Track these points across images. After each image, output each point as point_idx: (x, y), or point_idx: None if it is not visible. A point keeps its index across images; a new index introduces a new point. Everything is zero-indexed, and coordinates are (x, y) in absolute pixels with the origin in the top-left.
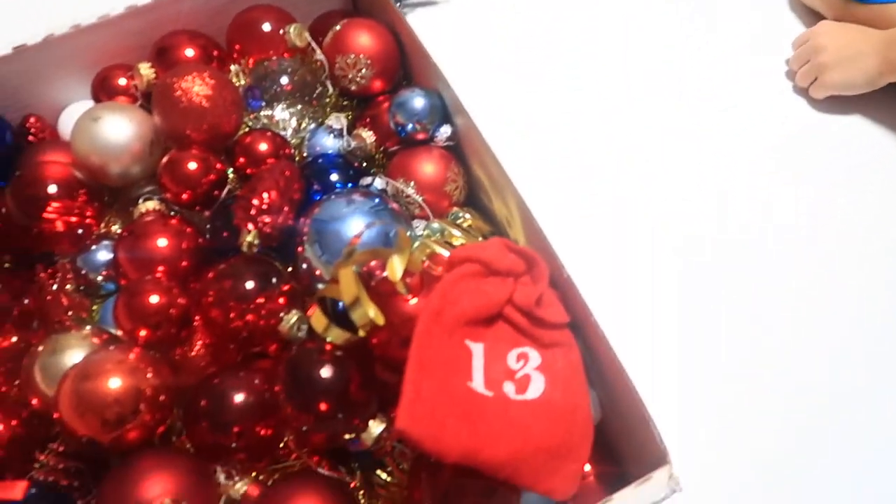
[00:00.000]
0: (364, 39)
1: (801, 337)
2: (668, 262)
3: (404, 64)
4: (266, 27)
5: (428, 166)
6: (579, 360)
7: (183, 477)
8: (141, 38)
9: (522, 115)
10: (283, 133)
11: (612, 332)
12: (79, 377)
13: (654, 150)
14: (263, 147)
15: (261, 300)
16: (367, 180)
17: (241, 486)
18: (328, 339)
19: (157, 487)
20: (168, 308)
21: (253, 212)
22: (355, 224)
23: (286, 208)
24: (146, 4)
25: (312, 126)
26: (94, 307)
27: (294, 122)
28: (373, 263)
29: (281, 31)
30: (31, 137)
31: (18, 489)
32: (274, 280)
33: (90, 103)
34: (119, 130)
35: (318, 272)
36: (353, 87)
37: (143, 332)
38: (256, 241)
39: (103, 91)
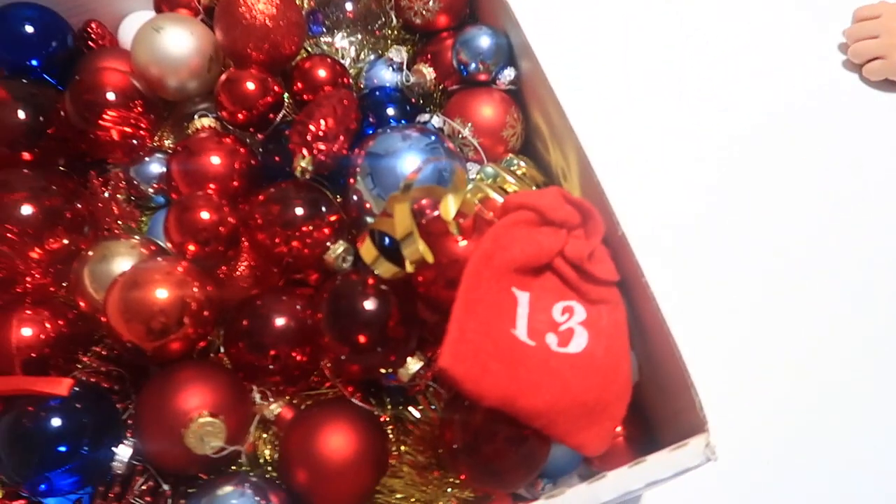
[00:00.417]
0: None
1: (852, 317)
2: (727, 232)
3: (472, 1)
4: None
5: (487, 109)
6: (624, 320)
7: (220, 392)
8: None
9: (591, 66)
10: (342, 62)
11: (662, 295)
12: (127, 285)
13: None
14: (322, 73)
15: (308, 228)
16: (423, 117)
17: (275, 408)
18: (375, 272)
19: (196, 399)
20: (218, 225)
21: (309, 137)
22: (410, 160)
23: (342, 137)
24: None
25: (372, 57)
26: (143, 218)
27: (353, 52)
28: (425, 201)
29: None
30: (91, 43)
31: (64, 386)
32: (323, 209)
33: (151, 13)
34: (180, 43)
35: (367, 205)
36: (418, 21)
37: (191, 247)
38: (310, 168)
39: (166, 2)
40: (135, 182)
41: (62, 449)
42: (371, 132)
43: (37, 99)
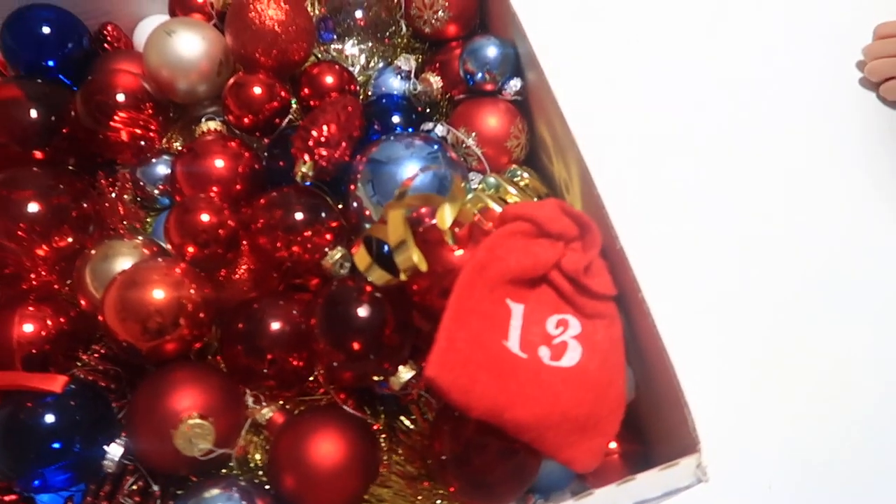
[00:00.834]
0: None
1: (849, 339)
2: (726, 249)
3: (482, 11)
4: None
5: (492, 119)
6: (620, 335)
7: (213, 394)
8: None
9: (597, 79)
10: (351, 69)
11: (658, 311)
12: (125, 284)
13: (728, 134)
14: (329, 80)
15: (308, 233)
16: (427, 126)
17: (267, 412)
18: (369, 279)
19: (187, 401)
20: (217, 228)
21: (311, 143)
22: (411, 168)
23: (344, 144)
24: None
25: (381, 65)
26: (149, 219)
27: (363, 59)
28: (423, 210)
29: None
30: (106, 45)
31: (58, 383)
32: (323, 214)
33: (166, 17)
34: (190, 47)
35: (367, 212)
36: (427, 29)
37: (190, 249)
38: (311, 173)
39: (180, 6)
40: (141, 183)
41: (55, 445)
42: (376, 139)
43: (50, 99)
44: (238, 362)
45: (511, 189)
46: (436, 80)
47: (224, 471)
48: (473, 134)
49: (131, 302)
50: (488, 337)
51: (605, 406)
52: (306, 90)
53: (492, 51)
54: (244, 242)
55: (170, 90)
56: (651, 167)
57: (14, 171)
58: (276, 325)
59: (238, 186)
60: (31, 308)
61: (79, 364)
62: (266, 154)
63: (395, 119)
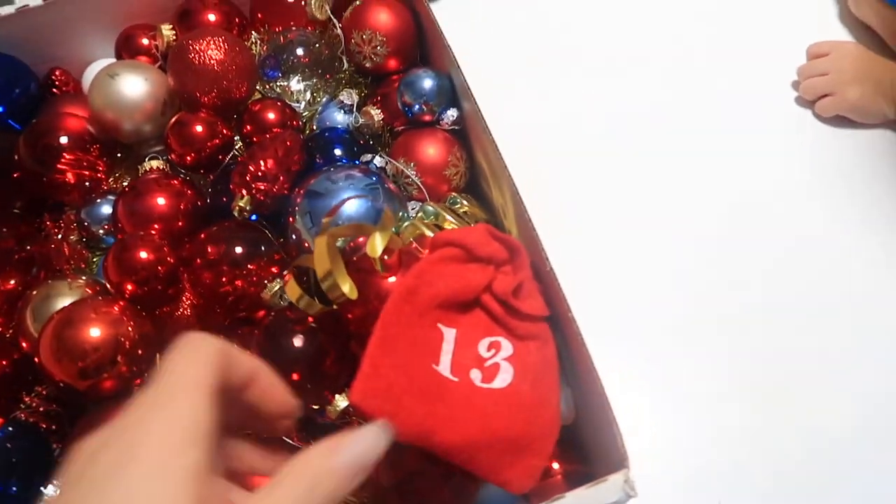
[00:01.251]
0: (382, 16)
1: (784, 352)
2: (655, 267)
3: (422, 45)
4: None
5: (430, 148)
6: (554, 357)
7: None
8: (167, 0)
9: (527, 106)
10: (297, 105)
11: (589, 329)
12: (61, 323)
13: (664, 155)
14: (271, 116)
15: (248, 266)
16: (366, 157)
17: None
18: (300, 308)
19: None
20: (156, 265)
21: (248, 178)
22: (349, 200)
23: (282, 178)
24: None
25: (325, 100)
26: (95, 259)
27: (308, 95)
28: (361, 239)
29: (302, 3)
30: (55, 90)
31: None
32: (263, 248)
33: (113, 60)
34: (134, 88)
35: (306, 244)
36: (368, 64)
37: (129, 286)
38: (248, 207)
39: (126, 49)
40: (86, 224)
41: None
42: (314, 172)
43: None
44: None
45: (449, 216)
46: (376, 113)
47: None
48: (412, 164)
49: (67, 340)
50: (418, 361)
51: (539, 427)
52: (249, 127)
53: (427, 83)
54: (184, 278)
55: (115, 131)
56: (582, 190)
57: None
58: None
59: (180, 223)
60: None
61: (22, 406)
62: (210, 190)
63: (338, 152)
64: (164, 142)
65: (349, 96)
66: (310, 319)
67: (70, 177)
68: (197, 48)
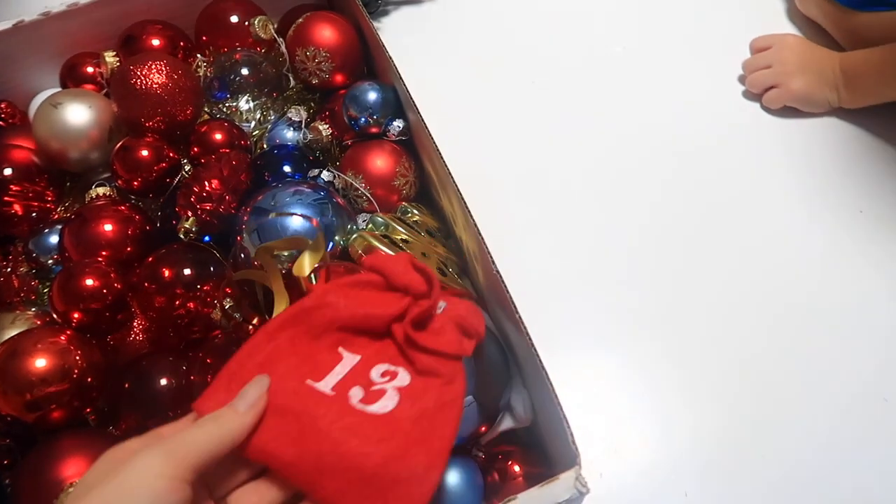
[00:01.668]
0: (325, 33)
1: (742, 343)
2: (604, 265)
3: (367, 59)
4: (234, 19)
5: (379, 160)
6: (457, 399)
7: None
8: (111, 27)
9: (475, 117)
10: (246, 125)
11: (537, 331)
12: (5, 355)
13: (605, 156)
14: (218, 137)
15: (201, 288)
16: (313, 172)
17: None
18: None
19: (71, 469)
20: (103, 292)
21: (193, 199)
22: (296, 216)
23: (228, 197)
24: None
25: (274, 118)
26: (45, 290)
27: (258, 114)
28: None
29: (246, 23)
30: (1, 122)
31: None
32: (212, 268)
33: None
34: (78, 116)
35: (255, 263)
36: (315, 80)
37: (76, 315)
38: (194, 229)
39: (71, 78)
40: (34, 254)
41: None
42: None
43: None
44: (128, 423)
45: (399, 227)
46: (324, 128)
47: None
48: (360, 176)
49: (12, 373)
50: (289, 376)
51: (409, 468)
52: (196, 149)
53: (371, 95)
54: (134, 303)
55: (62, 160)
56: (531, 193)
57: None
58: (163, 382)
59: (129, 249)
60: None
61: None
62: (159, 214)
63: (287, 169)
64: (111, 168)
65: (297, 113)
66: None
67: (17, 208)
68: (139, 73)
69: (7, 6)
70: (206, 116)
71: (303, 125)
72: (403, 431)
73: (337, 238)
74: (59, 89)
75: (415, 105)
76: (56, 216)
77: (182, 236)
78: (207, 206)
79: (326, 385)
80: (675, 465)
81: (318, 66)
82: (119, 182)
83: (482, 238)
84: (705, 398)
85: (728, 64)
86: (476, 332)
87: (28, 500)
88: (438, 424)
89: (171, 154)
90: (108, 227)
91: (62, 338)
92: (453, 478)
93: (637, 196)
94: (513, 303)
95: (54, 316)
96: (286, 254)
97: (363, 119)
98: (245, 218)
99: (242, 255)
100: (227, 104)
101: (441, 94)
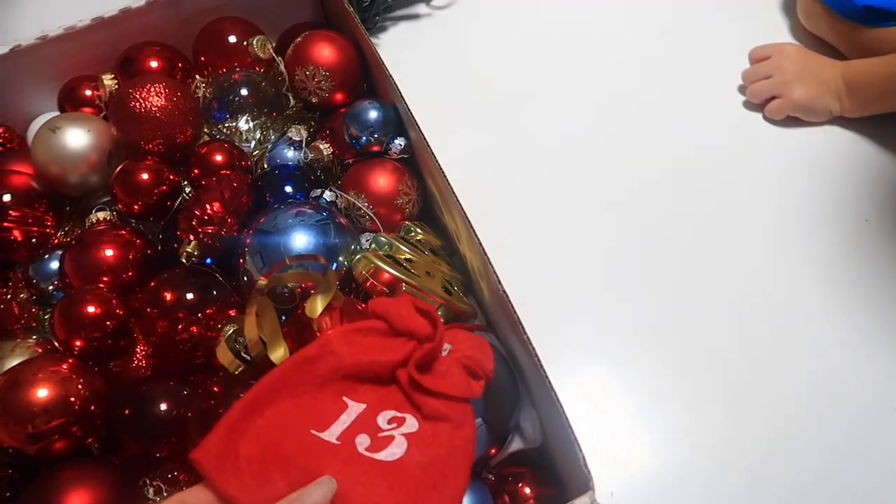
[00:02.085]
0: (324, 52)
1: (738, 363)
2: (611, 283)
3: (367, 76)
4: (232, 39)
5: (381, 179)
6: (467, 443)
7: (101, 492)
8: (109, 50)
9: (476, 133)
10: (246, 145)
11: (541, 346)
12: (6, 386)
13: (608, 172)
14: (219, 158)
15: (204, 312)
16: (316, 192)
17: None
18: (231, 372)
19: (75, 500)
20: (105, 319)
21: (194, 222)
22: (299, 237)
23: (230, 220)
24: (113, 16)
25: (274, 137)
26: (47, 317)
27: (258, 134)
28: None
29: (245, 43)
30: None
31: None
32: (215, 292)
33: (57, 114)
34: (77, 140)
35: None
36: (315, 99)
37: (78, 343)
38: (196, 252)
39: (69, 102)
40: (34, 281)
41: None
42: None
43: None
44: (129, 450)
45: (402, 246)
46: (325, 147)
47: None
48: (362, 195)
49: (13, 403)
50: (293, 428)
51: None
52: (197, 170)
53: (372, 114)
54: (136, 329)
55: (61, 184)
56: (530, 208)
57: None
58: (164, 407)
59: (130, 273)
60: None
61: None
62: (161, 237)
63: (288, 189)
64: (111, 192)
65: (297, 132)
66: None
67: (17, 234)
68: (137, 96)
69: (3, 30)
70: (206, 137)
71: (303, 144)
72: (413, 479)
73: (341, 259)
74: (58, 113)
75: (416, 123)
76: (56, 241)
77: (184, 260)
78: (209, 229)
79: (332, 434)
80: (683, 479)
81: (318, 84)
82: (119, 206)
83: (486, 255)
84: (713, 411)
85: (729, 74)
86: (484, 372)
87: None
88: (450, 471)
89: (171, 176)
90: (108, 252)
91: (64, 366)
92: (464, 501)
93: (640, 209)
94: (520, 323)
95: (56, 344)
96: (291, 285)
97: (364, 138)
98: (247, 240)
99: (245, 278)
100: (226, 124)
101: (440, 110)
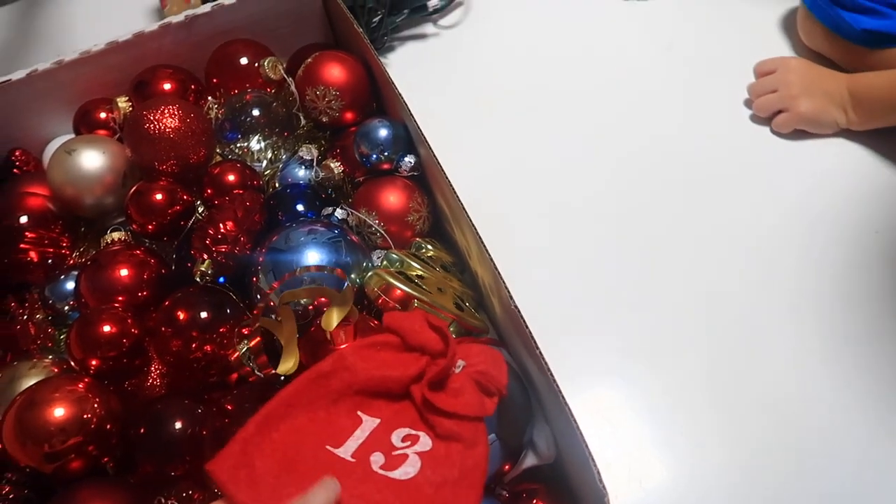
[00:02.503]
0: (334, 72)
1: (753, 380)
2: (624, 298)
3: (378, 97)
4: (243, 61)
5: (391, 196)
6: (480, 463)
7: None
8: (122, 73)
9: (485, 149)
10: (258, 164)
11: (553, 362)
12: (23, 406)
13: (617, 187)
14: (231, 178)
15: (217, 330)
16: (327, 210)
17: None
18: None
19: None
20: (120, 338)
21: (208, 241)
22: (311, 255)
23: (243, 238)
24: (127, 40)
25: (285, 157)
26: (62, 336)
27: (269, 154)
28: (324, 299)
29: (256, 65)
30: (15, 170)
31: None
32: (229, 310)
33: (72, 136)
34: (92, 162)
35: (271, 302)
36: (325, 119)
37: (94, 362)
38: (210, 271)
39: (84, 124)
40: (50, 301)
41: None
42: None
43: None
44: (145, 469)
45: (413, 263)
46: (336, 166)
47: None
48: (374, 213)
49: (29, 423)
50: (308, 443)
51: None
52: (209, 190)
53: (382, 132)
54: (151, 348)
55: (76, 206)
56: (540, 222)
57: None
58: (179, 425)
59: (145, 293)
60: None
61: None
62: (175, 257)
63: (300, 207)
64: (125, 212)
65: (308, 151)
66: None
67: (33, 255)
68: (152, 118)
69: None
70: (218, 157)
71: (314, 163)
72: (426, 498)
73: (353, 276)
74: (72, 135)
75: (426, 140)
76: (71, 262)
77: (198, 279)
78: (223, 248)
79: (346, 451)
80: (699, 495)
81: (329, 104)
82: (133, 226)
83: (498, 271)
84: (728, 427)
85: (735, 88)
86: (498, 388)
87: None
88: (462, 492)
89: (184, 196)
90: (123, 272)
91: (80, 386)
92: None
93: (650, 224)
94: (533, 339)
95: (72, 363)
96: (304, 301)
97: (375, 156)
98: (260, 258)
99: (258, 296)
100: (238, 145)
101: (447, 128)
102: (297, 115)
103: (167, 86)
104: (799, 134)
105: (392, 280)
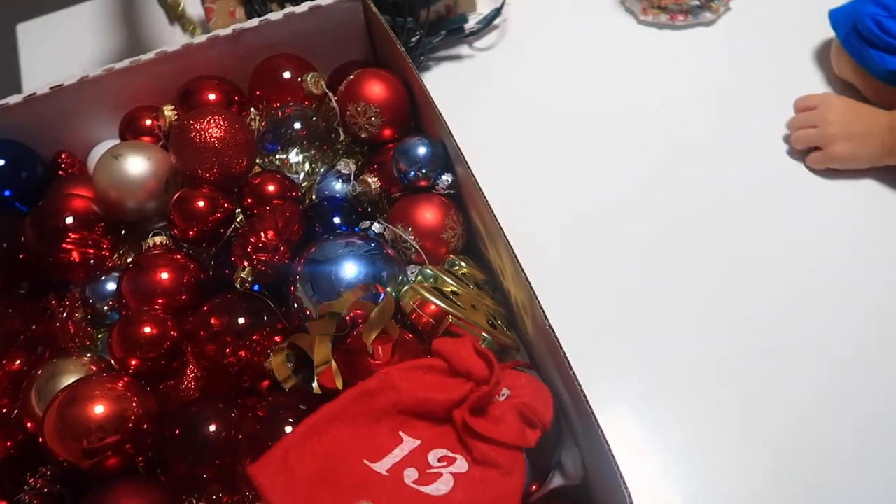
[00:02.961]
0: (375, 89)
1: (782, 408)
2: (659, 321)
3: (416, 114)
4: (286, 75)
5: (427, 213)
6: (515, 492)
7: None
8: (169, 82)
9: (523, 169)
10: (296, 176)
11: (592, 388)
12: (64, 402)
13: (653, 211)
14: (271, 188)
15: (252, 337)
16: (365, 224)
17: None
18: (287, 388)
19: None
20: (160, 339)
21: (249, 249)
22: (349, 267)
23: (283, 248)
24: (176, 50)
25: (323, 170)
26: (100, 336)
27: (307, 166)
28: (358, 311)
29: (299, 79)
30: (61, 172)
31: None
32: (265, 318)
33: (117, 142)
34: (137, 167)
35: (308, 312)
36: (364, 134)
37: (133, 362)
38: (250, 279)
39: (130, 131)
40: (90, 301)
41: None
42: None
43: (2, 228)
44: (178, 470)
45: (448, 279)
46: (373, 181)
47: None
48: (410, 228)
49: (70, 419)
50: (348, 457)
51: None
52: (249, 199)
53: (421, 150)
54: (188, 351)
55: (119, 209)
56: (574, 244)
57: None
58: (213, 429)
59: (184, 297)
60: None
61: (26, 488)
62: (213, 263)
63: (337, 220)
64: (168, 217)
65: (346, 166)
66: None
67: (75, 255)
68: (198, 127)
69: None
70: (258, 168)
71: (352, 177)
72: None
73: (388, 289)
74: (117, 141)
75: (464, 159)
76: (111, 264)
77: (238, 286)
78: (263, 257)
79: (383, 466)
80: None
81: (369, 120)
82: (175, 231)
83: (533, 290)
84: (756, 457)
85: (770, 120)
86: (541, 422)
87: None
88: None
89: (226, 204)
90: (164, 276)
91: (120, 384)
92: None
93: (685, 252)
94: (567, 360)
95: (111, 362)
96: (343, 312)
97: (412, 173)
98: (299, 269)
99: (296, 305)
100: (278, 156)
101: (480, 147)
102: (336, 129)
103: (212, 96)
104: (834, 170)
105: (428, 295)
